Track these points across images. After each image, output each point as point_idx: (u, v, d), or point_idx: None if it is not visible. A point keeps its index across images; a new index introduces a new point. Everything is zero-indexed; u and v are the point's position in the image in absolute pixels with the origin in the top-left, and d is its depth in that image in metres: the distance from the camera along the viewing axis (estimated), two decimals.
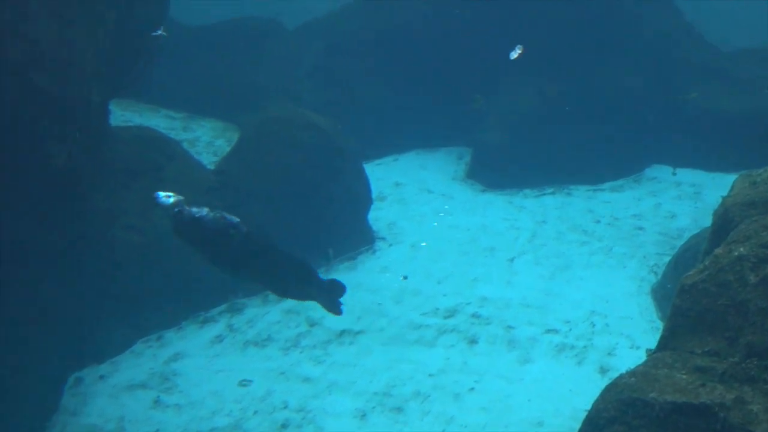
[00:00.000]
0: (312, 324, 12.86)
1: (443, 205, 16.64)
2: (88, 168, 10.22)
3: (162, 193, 9.42)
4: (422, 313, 13.25)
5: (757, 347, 6.86)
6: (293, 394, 11.47)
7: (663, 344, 7.42)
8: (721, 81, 18.71)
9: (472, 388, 11.64)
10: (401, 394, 11.50)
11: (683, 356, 7.13)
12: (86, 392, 11.36)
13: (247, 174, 14.07)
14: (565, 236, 15.61)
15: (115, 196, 12.23)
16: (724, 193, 8.86)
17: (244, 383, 11.67)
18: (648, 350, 7.76)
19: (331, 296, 10.10)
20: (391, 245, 15.13)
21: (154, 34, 12.28)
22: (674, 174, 17.82)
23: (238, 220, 9.45)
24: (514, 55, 14.80)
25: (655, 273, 14.32)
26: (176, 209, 9.33)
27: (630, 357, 11.64)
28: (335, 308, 10.17)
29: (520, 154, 17.46)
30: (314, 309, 12.93)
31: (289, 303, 12.83)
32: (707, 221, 9.63)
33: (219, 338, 12.60)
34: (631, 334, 12.75)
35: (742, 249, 7.32)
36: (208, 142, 17.45)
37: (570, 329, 12.89)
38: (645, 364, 7.27)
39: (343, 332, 12.74)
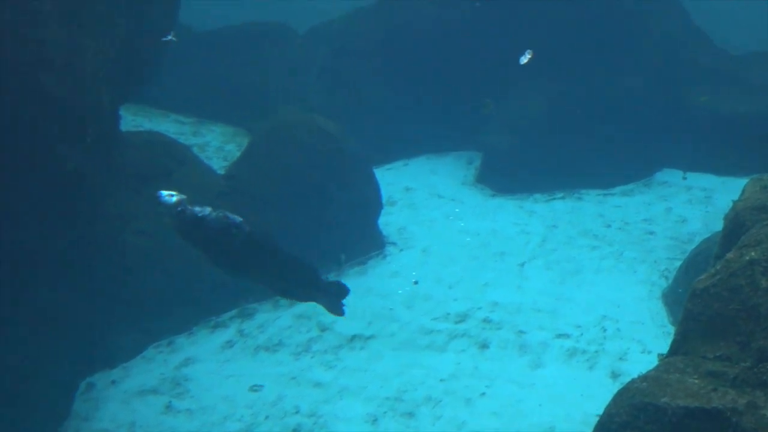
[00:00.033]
0: (323, 329, 12.87)
1: (453, 210, 16.63)
2: (99, 173, 10.24)
3: (165, 192, 9.42)
4: (433, 318, 13.25)
5: None
6: (304, 398, 11.48)
7: (675, 349, 7.41)
8: (731, 84, 18.66)
9: (484, 393, 11.63)
10: (412, 398, 11.50)
11: (695, 361, 7.12)
12: (98, 397, 11.38)
13: (257, 179, 14.08)
14: (575, 241, 15.58)
15: (125, 201, 12.24)
16: (735, 198, 8.84)
17: (255, 388, 11.67)
18: (660, 355, 7.75)
19: (333, 298, 10.09)
20: (401, 250, 15.13)
21: (164, 39, 12.30)
22: (685, 178, 17.78)
23: (240, 219, 9.44)
24: (524, 60, 14.77)
25: (666, 277, 14.30)
26: (179, 208, 9.34)
27: (641, 362, 11.60)
28: (337, 310, 10.18)
29: (530, 159, 17.44)
30: (325, 314, 12.88)
31: (300, 308, 12.85)
32: (718, 225, 9.61)
33: (230, 343, 12.61)
34: (643, 339, 12.73)
35: (753, 253, 7.29)
36: (218, 146, 17.49)
37: (581, 334, 12.87)
38: (657, 368, 7.26)
39: (354, 337, 12.74)
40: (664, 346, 8.00)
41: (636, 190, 17.63)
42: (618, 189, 17.60)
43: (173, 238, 9.73)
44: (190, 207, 9.32)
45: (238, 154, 15.62)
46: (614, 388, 7.82)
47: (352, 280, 13.96)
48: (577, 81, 17.94)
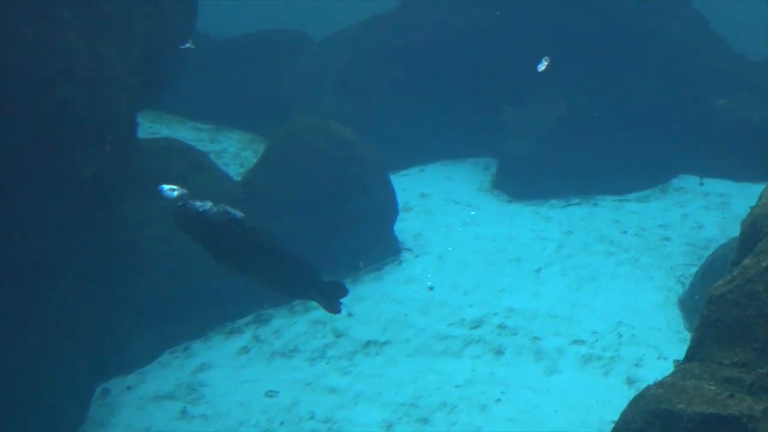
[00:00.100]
0: (338, 335, 12.88)
1: (469, 216, 16.63)
2: (116, 180, 10.28)
3: (166, 186, 9.44)
4: (448, 323, 13.25)
5: None
6: (319, 404, 11.49)
7: (691, 355, 7.39)
8: (748, 90, 18.61)
9: (499, 399, 11.62)
10: (428, 404, 11.50)
11: (711, 367, 7.09)
12: (113, 403, 11.42)
13: (273, 185, 14.12)
14: (591, 247, 15.56)
15: (142, 207, 12.28)
16: (753, 203, 8.80)
17: (270, 394, 11.69)
18: (675, 361, 7.72)
19: (331, 297, 10.11)
20: (417, 256, 15.14)
21: (183, 47, 12.35)
22: (701, 184, 17.75)
23: (242, 215, 9.45)
24: (542, 67, 14.78)
25: (682, 284, 14.26)
26: (180, 203, 9.36)
27: (657, 368, 11.58)
28: (335, 309, 10.20)
29: (546, 165, 17.44)
30: (340, 320, 13.02)
31: (316, 314, 12.86)
32: (735, 231, 9.57)
33: (245, 349, 12.63)
34: (659, 345, 12.70)
35: None
36: (234, 153, 17.54)
37: (597, 340, 12.85)
38: (673, 375, 7.24)
39: (369, 343, 12.75)
40: (680, 353, 7.98)
41: (652, 196, 17.60)
42: (634, 195, 17.57)
43: (189, 244, 9.76)
44: (191, 201, 9.35)
45: (255, 160, 15.66)
46: (630, 394, 7.80)
47: (367, 285, 14.03)
48: (593, 87, 17.93)
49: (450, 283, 14.32)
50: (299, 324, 13.14)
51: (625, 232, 16.10)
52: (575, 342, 12.80)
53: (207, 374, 12.07)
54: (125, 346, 11.88)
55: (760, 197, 8.84)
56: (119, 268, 11.45)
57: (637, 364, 12.29)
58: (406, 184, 17.22)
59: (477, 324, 13.22)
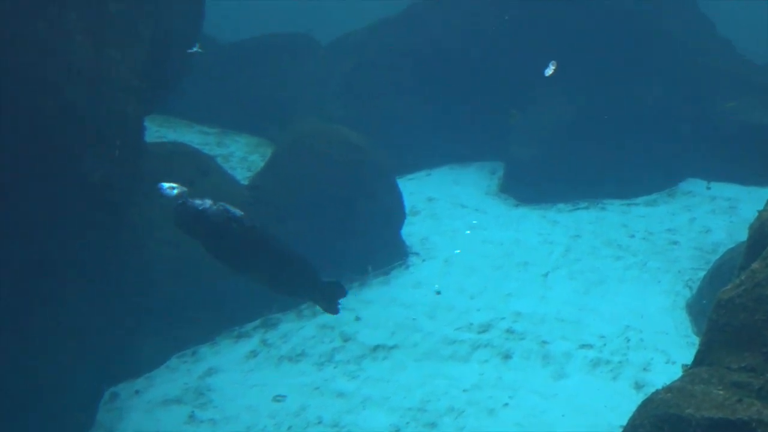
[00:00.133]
0: (346, 339, 12.88)
1: (476, 220, 16.62)
2: (124, 183, 10.29)
3: (166, 184, 9.46)
4: (456, 328, 13.24)
5: None
6: (327, 409, 11.49)
7: (699, 359, 7.37)
8: (756, 94, 18.58)
9: (507, 404, 11.61)
10: (435, 409, 11.49)
11: (720, 372, 7.08)
12: (122, 407, 11.43)
13: (281, 189, 14.13)
14: (599, 251, 15.55)
15: (150, 211, 12.29)
16: (761, 207, 8.78)
17: (278, 398, 11.69)
18: (684, 365, 7.71)
19: (330, 297, 10.11)
20: (424, 260, 15.13)
21: (190, 50, 12.37)
22: (709, 188, 17.72)
23: (241, 213, 9.46)
24: (549, 71, 14.77)
25: (690, 288, 14.24)
26: (179, 201, 9.36)
27: (666, 372, 11.56)
28: (332, 309, 10.19)
29: (554, 169, 17.42)
30: (348, 324, 13.03)
31: (324, 318, 12.86)
32: (743, 236, 9.56)
33: (253, 353, 12.64)
34: (667, 350, 12.68)
35: None
36: (242, 157, 17.54)
37: (605, 344, 12.83)
38: (681, 379, 7.22)
39: (377, 347, 12.75)
40: (688, 357, 7.96)
41: (660, 200, 17.58)
42: (642, 199, 17.56)
43: (197, 247, 9.77)
44: (190, 200, 9.35)
45: (262, 164, 15.67)
46: (638, 398, 7.78)
47: (375, 290, 14.03)
48: (600, 91, 17.92)
49: (457, 287, 14.31)
50: (307, 328, 13.14)
51: (632, 236, 16.08)
52: (583, 346, 12.78)
53: (215, 378, 12.08)
54: (133, 350, 11.88)
55: None
56: (127, 271, 11.46)
57: (645, 369, 12.27)
58: (413, 188, 17.22)
59: (484, 328, 13.21)
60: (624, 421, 7.28)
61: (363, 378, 12.13)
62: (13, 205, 9.02)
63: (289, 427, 11.16)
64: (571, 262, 15.17)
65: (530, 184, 17.43)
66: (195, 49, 12.41)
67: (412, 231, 15.75)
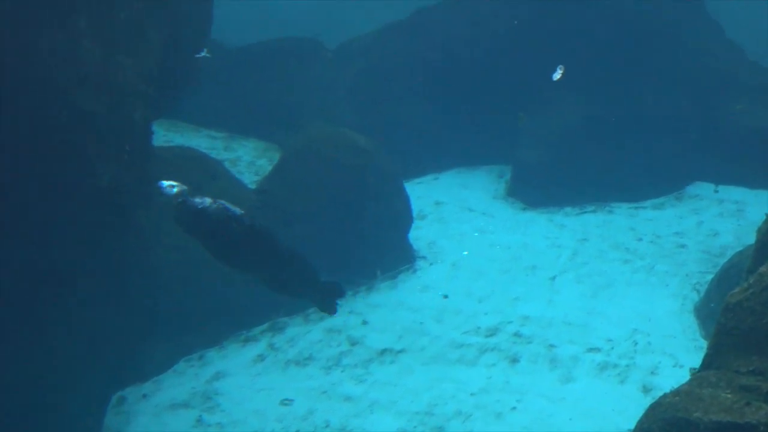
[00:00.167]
0: (353, 343, 12.89)
1: (484, 224, 16.62)
2: (132, 188, 10.31)
3: (165, 182, 9.46)
4: (463, 332, 13.24)
5: None
6: (335, 413, 11.49)
7: (707, 363, 7.37)
8: (765, 97, 18.53)
9: (514, 408, 11.60)
10: (443, 413, 11.49)
11: (728, 375, 7.08)
12: (129, 411, 11.44)
13: (288, 194, 14.14)
14: (606, 254, 15.54)
15: (158, 216, 12.31)
16: None
17: (285, 402, 11.70)
18: (692, 369, 7.71)
19: (328, 297, 10.10)
20: (431, 264, 15.13)
21: (199, 55, 12.39)
22: (716, 191, 17.69)
23: (241, 212, 9.46)
24: (557, 76, 14.78)
25: (698, 291, 14.23)
26: (179, 199, 9.37)
27: (673, 376, 11.56)
28: (330, 309, 10.19)
29: (561, 172, 17.41)
30: (356, 328, 13.04)
31: (331, 322, 12.88)
32: (750, 239, 9.54)
33: (260, 357, 12.64)
34: (674, 353, 12.67)
35: None
36: (249, 161, 17.55)
37: (612, 348, 12.82)
38: (689, 383, 7.23)
39: (384, 351, 12.75)
40: (696, 360, 7.96)
41: (667, 203, 17.56)
42: (649, 202, 17.53)
43: (204, 252, 9.78)
44: (190, 198, 9.35)
45: (270, 169, 15.68)
46: (646, 402, 7.80)
47: (382, 293, 14.04)
48: (608, 94, 17.90)
49: (464, 291, 14.31)
50: (314, 332, 13.15)
51: (640, 239, 16.07)
52: (591, 350, 12.77)
53: (222, 382, 12.09)
54: (141, 354, 11.89)
55: None
56: (134, 276, 11.48)
57: (652, 372, 12.26)
58: (421, 192, 17.22)
59: (492, 332, 13.21)
60: (632, 425, 7.28)
61: (370, 382, 12.13)
62: (22, 208, 9.04)
63: (297, 431, 11.17)
64: (579, 265, 15.16)
65: (538, 187, 17.42)
66: (203, 54, 12.43)
67: (419, 235, 15.75)
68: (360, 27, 20.10)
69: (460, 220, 16.72)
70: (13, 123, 8.78)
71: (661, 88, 18.16)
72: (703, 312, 13.37)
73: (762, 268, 7.47)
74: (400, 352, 12.77)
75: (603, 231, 16.37)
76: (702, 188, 17.97)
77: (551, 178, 17.37)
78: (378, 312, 13.64)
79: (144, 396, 11.76)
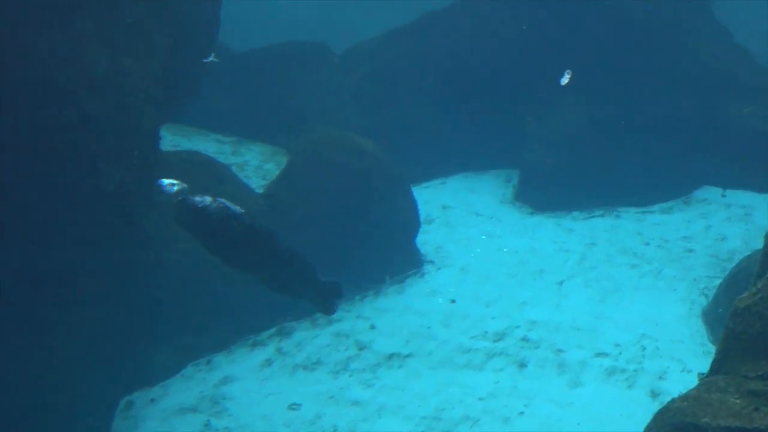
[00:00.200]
0: (361, 347, 12.88)
1: (491, 228, 16.61)
2: (139, 192, 10.33)
3: (166, 181, 9.46)
4: (471, 336, 13.23)
5: None
6: (343, 417, 11.48)
7: (716, 368, 7.36)
8: None
9: (522, 412, 11.59)
10: (451, 417, 11.47)
11: (736, 380, 7.07)
12: (137, 416, 11.45)
13: (295, 198, 14.15)
14: (614, 259, 15.51)
15: (165, 220, 12.32)
16: None
17: (293, 407, 11.69)
18: (700, 374, 7.71)
19: (327, 297, 10.09)
20: (439, 268, 15.12)
21: (206, 60, 12.41)
22: (724, 195, 17.66)
23: (241, 211, 9.46)
24: (564, 80, 14.78)
25: (706, 296, 14.20)
26: (179, 198, 9.37)
27: (681, 381, 11.53)
28: (329, 309, 10.18)
29: (569, 176, 17.40)
30: (363, 332, 13.03)
31: (338, 326, 12.89)
32: (758, 243, 9.54)
33: (268, 362, 12.64)
34: (683, 358, 12.64)
35: None
36: (257, 166, 17.55)
37: (620, 352, 12.80)
38: (697, 388, 7.21)
39: (392, 355, 12.74)
40: (704, 365, 7.96)
41: (675, 207, 17.53)
42: (657, 207, 17.51)
43: (211, 256, 9.79)
44: (191, 197, 9.35)
45: (277, 173, 15.69)
46: (654, 407, 7.78)
47: (390, 298, 14.03)
48: (615, 98, 17.89)
49: (472, 296, 14.30)
50: (322, 336, 13.15)
51: (648, 243, 16.04)
52: (598, 354, 12.75)
53: (230, 387, 12.09)
54: (149, 359, 11.90)
55: None
56: (142, 280, 11.49)
57: (661, 377, 12.24)
58: (428, 197, 17.22)
59: (499, 336, 13.20)
60: (640, 430, 7.27)
61: (378, 386, 12.12)
62: (29, 212, 9.06)
63: None
64: (587, 270, 15.15)
65: (545, 191, 17.41)
66: (211, 59, 12.45)
67: (426, 239, 15.75)
68: (368, 30, 20.12)
69: (468, 225, 16.71)
70: (18, 126, 8.80)
71: (668, 91, 18.14)
72: (711, 316, 13.35)
73: None
74: (407, 356, 12.77)
75: (611, 235, 16.35)
76: (710, 192, 17.94)
77: (559, 182, 17.36)
78: (386, 316, 13.64)
79: (152, 400, 11.76)
